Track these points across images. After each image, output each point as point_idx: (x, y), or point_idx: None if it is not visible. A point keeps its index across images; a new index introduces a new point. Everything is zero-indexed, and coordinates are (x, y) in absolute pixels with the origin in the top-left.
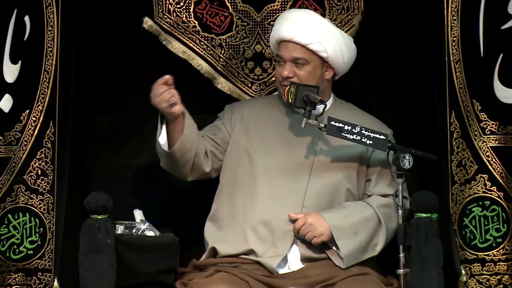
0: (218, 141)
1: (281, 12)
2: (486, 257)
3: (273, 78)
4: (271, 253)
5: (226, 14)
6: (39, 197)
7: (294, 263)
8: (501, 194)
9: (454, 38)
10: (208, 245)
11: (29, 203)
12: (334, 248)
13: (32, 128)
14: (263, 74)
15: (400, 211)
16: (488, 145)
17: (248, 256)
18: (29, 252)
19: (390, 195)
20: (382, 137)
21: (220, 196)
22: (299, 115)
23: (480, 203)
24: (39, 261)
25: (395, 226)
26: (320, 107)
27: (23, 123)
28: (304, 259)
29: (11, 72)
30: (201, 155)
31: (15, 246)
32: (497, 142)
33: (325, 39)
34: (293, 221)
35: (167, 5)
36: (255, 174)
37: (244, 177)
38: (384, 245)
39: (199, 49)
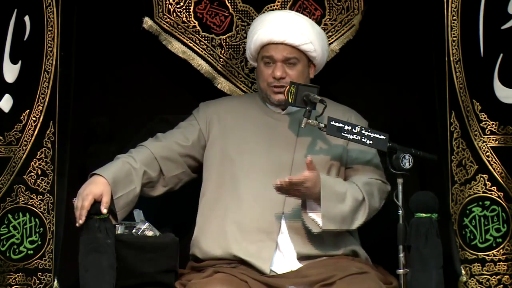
0: (189, 149)
1: None
2: (486, 257)
3: None
4: (256, 254)
5: (226, 14)
6: (39, 197)
7: (292, 262)
8: (501, 194)
9: (454, 38)
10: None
11: (29, 203)
12: (310, 213)
13: (32, 128)
14: None
15: (400, 211)
16: (488, 145)
17: (240, 255)
18: (29, 252)
19: (372, 178)
20: (382, 137)
21: (203, 199)
22: (278, 115)
23: (480, 203)
24: (39, 261)
25: (376, 206)
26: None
27: (23, 123)
28: (300, 258)
29: (11, 72)
30: (152, 182)
31: (15, 246)
32: (497, 142)
33: (315, 39)
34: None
35: (167, 5)
36: (236, 176)
37: (225, 179)
38: (363, 222)
39: (199, 49)
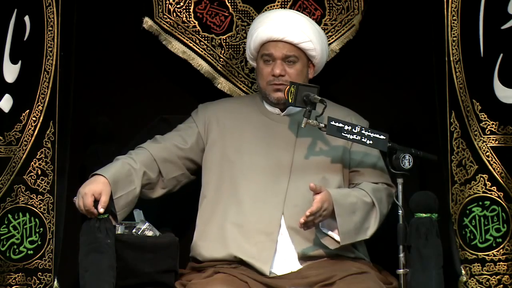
0: (188, 151)
1: None
2: (486, 257)
3: None
4: (256, 255)
5: (226, 14)
6: (39, 197)
7: (293, 263)
8: (501, 194)
9: (454, 38)
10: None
11: (29, 203)
12: (329, 232)
13: (32, 128)
14: None
15: (400, 211)
16: (488, 145)
17: (240, 256)
18: (29, 252)
19: (379, 183)
20: (382, 137)
21: (203, 201)
22: (278, 116)
23: (480, 203)
24: (39, 261)
25: (385, 212)
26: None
27: (23, 123)
28: (301, 258)
29: (11, 72)
30: (151, 184)
31: (15, 246)
32: (497, 142)
33: (314, 37)
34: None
35: (167, 5)
36: (235, 177)
37: (224, 181)
38: (375, 230)
39: (199, 49)
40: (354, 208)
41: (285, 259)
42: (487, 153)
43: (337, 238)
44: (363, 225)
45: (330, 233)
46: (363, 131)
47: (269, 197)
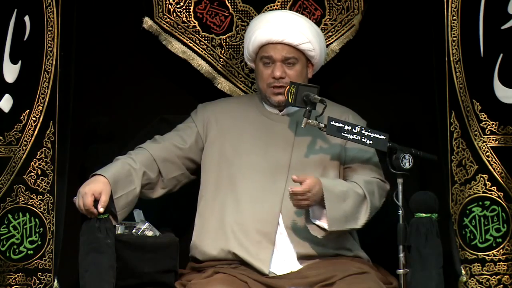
0: (187, 151)
1: None
2: (486, 257)
3: None
4: (255, 255)
5: (226, 14)
6: (39, 197)
7: (292, 263)
8: (501, 194)
9: (454, 38)
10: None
11: (29, 203)
12: (317, 221)
13: (32, 128)
14: None
15: (400, 211)
16: (488, 145)
17: (239, 255)
18: (29, 252)
19: (372, 177)
20: (382, 137)
21: (202, 201)
22: (276, 116)
23: (480, 203)
24: (39, 261)
25: (377, 205)
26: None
27: (23, 123)
28: (300, 258)
29: (11, 72)
30: (151, 184)
31: (15, 246)
32: (497, 142)
33: (313, 38)
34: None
35: (167, 5)
36: (233, 177)
37: (223, 180)
38: (366, 221)
39: (199, 49)
40: (344, 196)
41: (284, 259)
42: (487, 153)
43: (325, 226)
44: (353, 215)
45: (317, 222)
46: (363, 131)
47: (267, 197)
